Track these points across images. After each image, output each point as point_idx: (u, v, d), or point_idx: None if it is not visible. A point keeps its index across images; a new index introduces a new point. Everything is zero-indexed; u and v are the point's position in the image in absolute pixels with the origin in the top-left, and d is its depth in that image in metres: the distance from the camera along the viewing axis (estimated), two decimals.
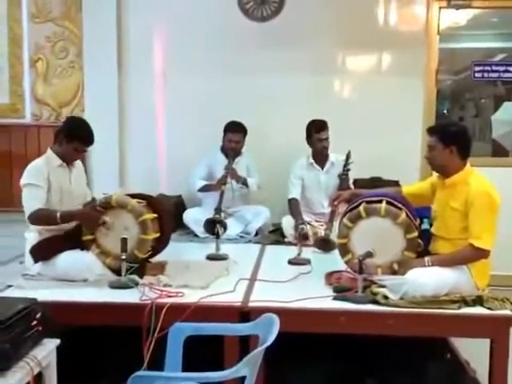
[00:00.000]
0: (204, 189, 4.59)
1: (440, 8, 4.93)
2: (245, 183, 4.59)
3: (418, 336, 2.84)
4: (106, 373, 2.98)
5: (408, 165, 4.83)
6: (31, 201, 3.06)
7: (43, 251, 3.08)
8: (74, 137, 3.18)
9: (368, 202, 3.01)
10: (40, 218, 3.05)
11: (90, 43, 4.97)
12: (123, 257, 2.95)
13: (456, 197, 2.91)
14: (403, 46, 4.94)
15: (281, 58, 4.90)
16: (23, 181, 3.10)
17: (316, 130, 4.49)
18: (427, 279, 2.77)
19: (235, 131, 4.59)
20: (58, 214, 3.02)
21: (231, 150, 4.55)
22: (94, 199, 3.32)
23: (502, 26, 5.72)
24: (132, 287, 2.93)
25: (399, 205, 2.98)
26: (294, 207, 4.42)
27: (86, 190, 3.47)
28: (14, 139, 5.08)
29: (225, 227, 3.93)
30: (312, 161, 4.61)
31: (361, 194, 3.21)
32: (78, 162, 3.42)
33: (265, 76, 4.92)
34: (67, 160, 3.26)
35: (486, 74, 4.99)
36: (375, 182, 4.60)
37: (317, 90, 4.97)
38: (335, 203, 3.52)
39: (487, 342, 2.73)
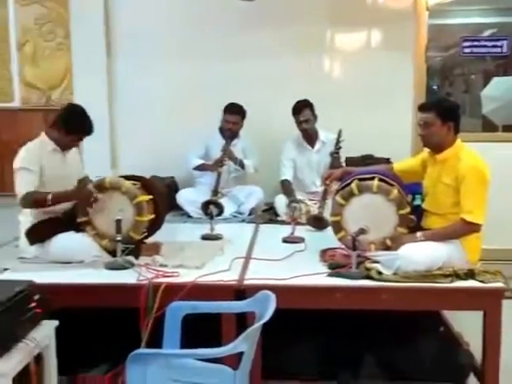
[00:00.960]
0: (200, 168, 4.59)
1: None
2: (241, 164, 4.60)
3: (411, 310, 2.88)
4: (103, 353, 3.00)
5: (399, 141, 4.84)
6: (23, 184, 3.02)
7: (39, 233, 3.07)
8: (75, 130, 3.17)
9: (360, 180, 3.03)
10: (31, 201, 3.02)
11: (78, 25, 4.92)
12: (118, 238, 2.96)
13: (447, 172, 2.93)
14: (392, 22, 4.93)
15: (271, 37, 4.89)
16: (15, 164, 3.06)
17: (295, 112, 4.51)
18: (420, 254, 2.80)
19: (232, 113, 4.59)
20: (49, 196, 2.98)
21: (228, 131, 4.56)
22: (86, 177, 3.31)
23: (490, 2, 5.71)
24: (128, 268, 2.95)
25: (391, 181, 3.00)
26: (286, 188, 4.45)
27: (81, 173, 3.45)
28: (3, 123, 5.07)
29: (221, 209, 3.95)
30: (302, 141, 4.62)
31: (352, 172, 3.23)
32: None
33: (255, 57, 4.91)
34: (62, 147, 3.24)
35: (474, 50, 4.98)
36: (366, 160, 4.63)
37: (306, 68, 4.96)
38: (327, 182, 3.53)
39: (479, 314, 2.77)
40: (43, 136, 3.21)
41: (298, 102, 4.53)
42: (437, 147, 3.03)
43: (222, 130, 4.65)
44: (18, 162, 3.07)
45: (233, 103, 4.60)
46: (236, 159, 4.55)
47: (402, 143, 4.85)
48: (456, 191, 2.88)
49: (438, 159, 3.01)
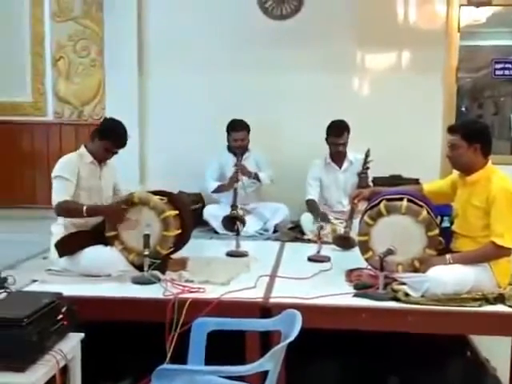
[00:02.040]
0: (217, 190, 4.65)
1: (460, 5, 4.93)
2: (256, 177, 4.63)
3: (438, 333, 2.84)
4: (128, 367, 3.02)
5: (428, 162, 4.81)
6: (59, 192, 3.12)
7: (68, 246, 3.12)
8: (107, 136, 3.25)
9: (389, 200, 3.01)
10: (66, 209, 3.11)
11: (111, 42, 5.04)
12: (146, 253, 2.99)
13: (478, 194, 2.90)
14: (423, 43, 4.93)
15: (300, 56, 4.93)
16: (54, 173, 3.17)
17: (333, 134, 4.47)
18: (449, 277, 2.76)
19: (238, 130, 4.64)
20: (85, 208, 3.07)
21: (238, 148, 4.62)
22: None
23: None
24: (154, 283, 2.96)
25: (420, 202, 2.97)
26: (312, 208, 4.43)
27: (117, 187, 3.51)
28: (37, 137, 5.17)
29: (243, 223, 3.96)
30: (329, 160, 4.60)
31: (380, 192, 3.21)
32: (111, 161, 3.45)
33: (284, 74, 4.95)
34: (98, 158, 3.31)
35: (506, 72, 4.95)
36: (395, 180, 4.59)
37: (336, 87, 4.97)
38: (355, 201, 3.52)
39: (506, 339, 2.72)
40: (82, 148, 3.32)
41: (335, 123, 4.47)
42: (465, 169, 3.00)
43: (230, 149, 4.70)
44: (56, 171, 3.17)
45: (234, 120, 4.64)
46: (250, 173, 4.58)
47: (431, 164, 4.82)
48: (486, 213, 2.84)
49: (468, 181, 2.98)
